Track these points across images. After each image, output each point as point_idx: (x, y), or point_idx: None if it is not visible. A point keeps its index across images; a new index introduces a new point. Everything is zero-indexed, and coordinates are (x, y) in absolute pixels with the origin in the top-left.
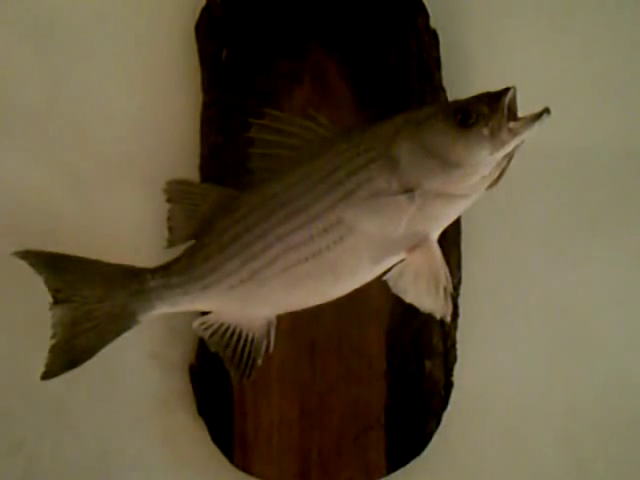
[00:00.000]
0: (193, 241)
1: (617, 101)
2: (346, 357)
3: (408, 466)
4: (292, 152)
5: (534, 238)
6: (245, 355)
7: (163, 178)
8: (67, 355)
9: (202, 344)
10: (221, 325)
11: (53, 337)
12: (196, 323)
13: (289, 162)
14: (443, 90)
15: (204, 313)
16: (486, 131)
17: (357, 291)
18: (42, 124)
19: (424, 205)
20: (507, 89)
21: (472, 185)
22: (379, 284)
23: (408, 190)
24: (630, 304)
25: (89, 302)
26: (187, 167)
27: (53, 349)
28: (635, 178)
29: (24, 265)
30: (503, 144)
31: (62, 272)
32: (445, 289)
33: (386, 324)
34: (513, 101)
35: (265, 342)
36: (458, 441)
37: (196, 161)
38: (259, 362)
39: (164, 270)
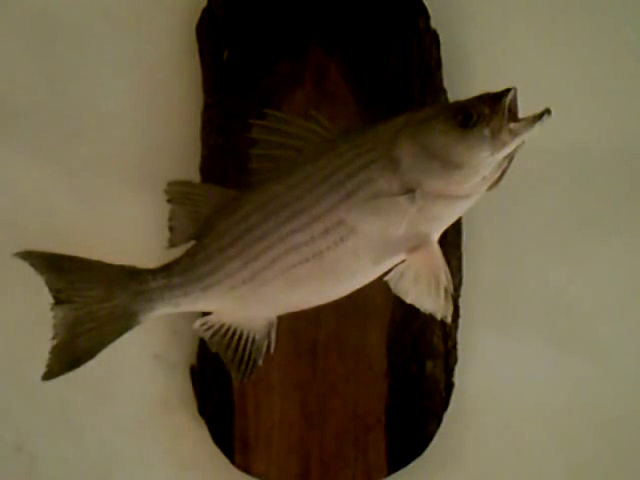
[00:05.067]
0: (194, 242)
1: (618, 101)
2: (347, 358)
3: (409, 467)
4: (293, 153)
5: (535, 239)
6: (246, 356)
7: (164, 179)
8: (68, 356)
9: (203, 345)
10: (222, 326)
11: (54, 338)
12: (197, 324)
13: (290, 163)
14: (444, 91)
15: (205, 314)
16: (487, 132)
17: (358, 292)
18: (42, 125)
19: (425, 206)
20: (508, 90)
21: (473, 186)
22: (380, 285)
23: (409, 191)
24: (632, 304)
25: (90, 303)
26: (188, 168)
27: (54, 350)
28: (636, 178)
29: (25, 266)
30: (504, 145)
31: (63, 273)
32: (446, 290)
33: (387, 325)
34: (514, 102)
35: (266, 343)
36: (459, 442)
37: (197, 162)
38: (260, 363)
39: (165, 271)
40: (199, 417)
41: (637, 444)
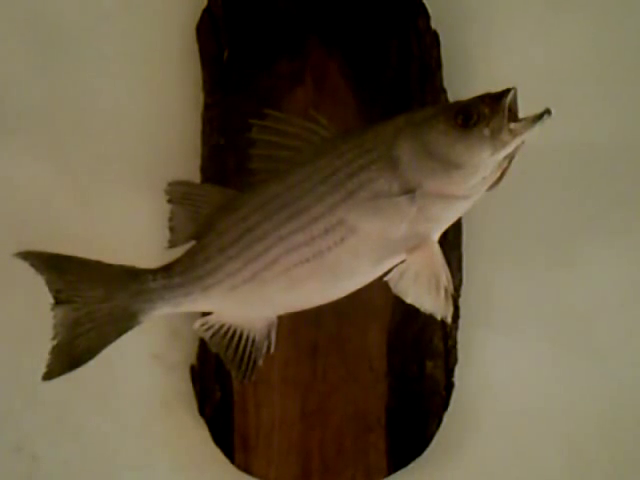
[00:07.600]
0: (194, 242)
1: (618, 100)
2: (347, 358)
3: (409, 467)
4: (293, 153)
5: (535, 239)
6: (246, 356)
7: (164, 179)
8: (68, 356)
9: (203, 345)
10: (222, 326)
11: (54, 338)
12: (197, 324)
13: (290, 163)
14: (444, 91)
15: (205, 314)
16: (487, 132)
17: (358, 292)
18: (44, 125)
19: (425, 206)
20: (508, 90)
21: (473, 186)
22: (380, 285)
23: (409, 191)
24: (632, 305)
25: (90, 303)
26: (188, 168)
27: (54, 350)
28: (637, 177)
29: (26, 266)
30: (504, 145)
31: (63, 273)
32: (446, 290)
33: (387, 325)
34: (514, 102)
35: (266, 343)
36: (459, 442)
37: (197, 162)
38: (260, 363)
39: (165, 271)
40: (199, 417)
41: (637, 444)
